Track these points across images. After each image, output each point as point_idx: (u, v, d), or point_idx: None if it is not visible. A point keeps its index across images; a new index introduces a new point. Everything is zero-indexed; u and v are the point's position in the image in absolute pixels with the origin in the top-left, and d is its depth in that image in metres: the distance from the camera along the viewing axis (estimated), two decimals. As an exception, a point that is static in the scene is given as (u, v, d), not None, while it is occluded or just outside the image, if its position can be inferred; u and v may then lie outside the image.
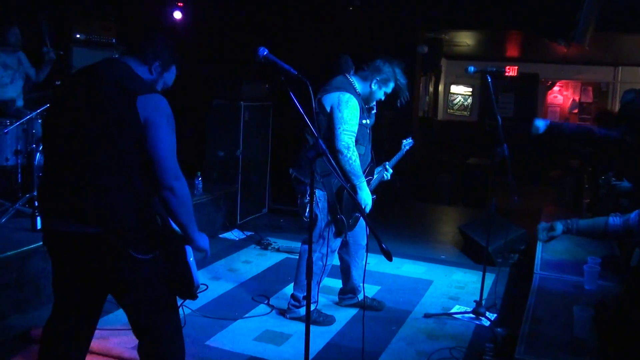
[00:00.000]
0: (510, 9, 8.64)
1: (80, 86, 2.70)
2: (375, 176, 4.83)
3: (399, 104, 4.72)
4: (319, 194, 4.45)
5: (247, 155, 7.84)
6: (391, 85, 4.62)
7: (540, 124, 5.39)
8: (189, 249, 2.88)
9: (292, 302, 4.77)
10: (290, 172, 4.63)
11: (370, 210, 4.51)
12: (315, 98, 4.49)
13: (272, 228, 7.67)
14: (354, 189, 4.36)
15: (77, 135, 2.63)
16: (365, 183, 4.46)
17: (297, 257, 4.86)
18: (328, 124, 4.40)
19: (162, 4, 8.45)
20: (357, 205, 2.92)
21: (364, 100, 4.60)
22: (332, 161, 4.11)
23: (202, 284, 3.13)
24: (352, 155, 4.32)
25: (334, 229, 4.52)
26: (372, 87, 4.58)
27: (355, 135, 4.38)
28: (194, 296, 2.97)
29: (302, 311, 4.68)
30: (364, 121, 4.50)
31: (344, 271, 4.97)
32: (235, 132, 7.69)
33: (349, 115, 4.34)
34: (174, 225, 2.82)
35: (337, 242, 4.65)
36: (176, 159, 2.69)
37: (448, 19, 9.51)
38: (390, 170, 5.01)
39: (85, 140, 2.62)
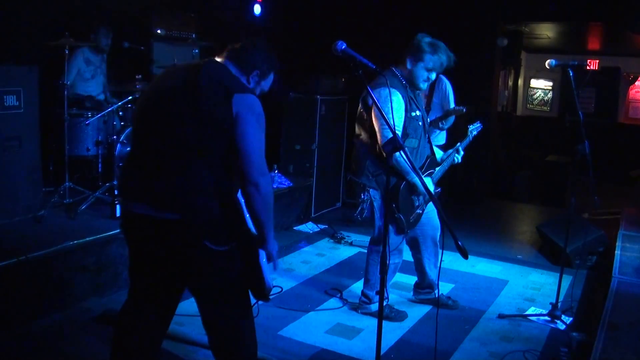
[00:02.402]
0: (593, 0, 8.38)
1: (180, 79, 2.79)
2: (438, 168, 4.70)
3: (447, 61, 4.39)
4: (373, 193, 4.42)
5: (323, 149, 7.88)
6: (428, 57, 4.33)
7: None
8: (261, 252, 2.91)
9: (363, 299, 4.79)
10: (348, 178, 4.64)
11: (444, 204, 4.43)
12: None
13: (346, 222, 7.67)
14: (413, 185, 4.32)
15: (171, 124, 2.72)
16: (416, 178, 4.28)
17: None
18: (370, 123, 4.35)
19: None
20: (432, 199, 2.89)
21: (413, 86, 4.41)
22: (409, 156, 4.13)
23: (275, 285, 3.14)
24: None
25: (394, 228, 4.50)
26: (408, 66, 4.39)
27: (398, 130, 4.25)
28: (265, 297, 2.98)
29: (374, 307, 4.70)
30: (412, 113, 4.36)
31: (419, 268, 4.95)
32: (311, 126, 7.74)
33: (387, 110, 4.16)
34: (250, 225, 2.87)
35: (397, 241, 4.59)
36: (264, 157, 2.74)
37: (529, 11, 9.30)
38: (462, 153, 4.79)
39: (178, 129, 2.70)
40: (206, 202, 2.70)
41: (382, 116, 3.74)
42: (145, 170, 2.78)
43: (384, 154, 2.82)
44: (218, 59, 2.92)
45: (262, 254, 2.92)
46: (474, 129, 4.95)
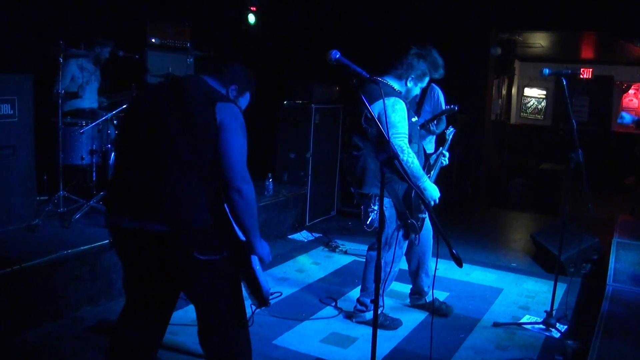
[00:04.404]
0: (585, 9, 8.43)
1: (165, 92, 2.84)
2: (432, 172, 4.75)
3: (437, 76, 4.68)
4: (384, 201, 4.42)
5: (317, 158, 7.89)
6: (427, 79, 4.56)
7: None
8: (254, 258, 2.92)
9: (359, 306, 4.79)
10: (352, 191, 4.66)
11: (438, 213, 4.45)
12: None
13: (340, 230, 7.69)
14: (419, 191, 4.33)
15: (158, 135, 2.73)
16: (428, 181, 4.41)
17: (365, 260, 4.86)
18: (378, 133, 4.35)
19: (236, 8, 8.60)
20: (427, 207, 2.91)
21: (406, 98, 4.52)
22: (403, 164, 4.14)
23: (274, 292, 3.14)
24: (409, 157, 4.23)
25: (401, 234, 4.51)
26: (408, 84, 4.49)
27: (407, 136, 4.30)
28: (266, 303, 2.99)
29: (369, 315, 4.69)
30: (412, 119, 4.44)
31: (412, 273, 4.97)
32: (305, 134, 7.75)
33: (397, 118, 4.25)
34: (238, 233, 2.87)
35: (404, 247, 4.64)
36: (246, 164, 2.77)
37: (522, 20, 9.34)
38: (447, 154, 4.91)
39: (169, 141, 2.72)
40: (196, 212, 2.72)
41: (385, 125, 3.79)
42: (134, 185, 2.79)
43: (380, 163, 2.83)
44: (196, 74, 2.98)
45: (256, 260, 2.92)
46: (449, 133, 5.11)
